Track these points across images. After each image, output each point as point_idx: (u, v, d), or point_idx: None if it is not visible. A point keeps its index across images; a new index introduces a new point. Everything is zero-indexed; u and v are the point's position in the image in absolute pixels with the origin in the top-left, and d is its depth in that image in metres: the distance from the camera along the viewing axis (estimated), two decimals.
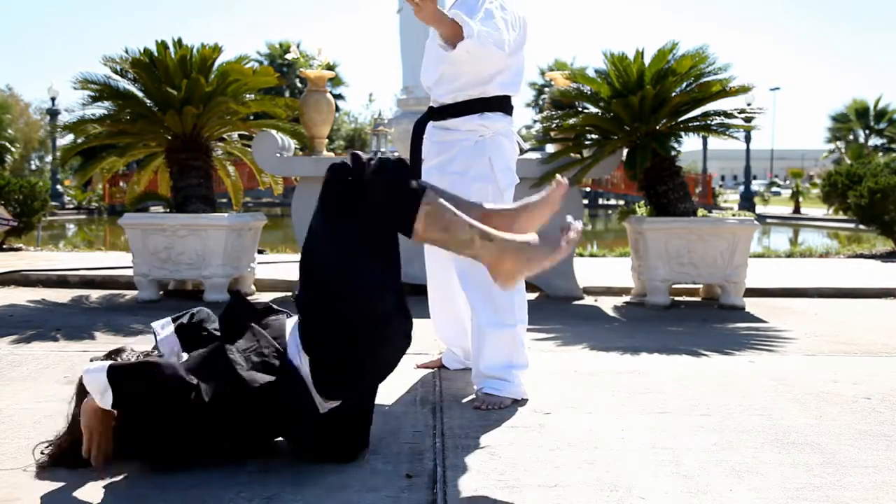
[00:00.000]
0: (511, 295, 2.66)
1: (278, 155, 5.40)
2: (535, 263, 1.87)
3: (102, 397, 1.85)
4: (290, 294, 5.44)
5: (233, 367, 1.91)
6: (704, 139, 27.43)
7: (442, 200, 1.88)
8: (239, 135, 5.93)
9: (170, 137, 5.32)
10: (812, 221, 21.10)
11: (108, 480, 1.88)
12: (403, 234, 1.89)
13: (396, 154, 7.08)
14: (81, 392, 1.95)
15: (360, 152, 1.92)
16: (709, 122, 5.04)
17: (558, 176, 2.09)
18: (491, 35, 2.47)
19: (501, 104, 2.74)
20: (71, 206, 24.49)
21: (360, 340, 1.89)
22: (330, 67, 5.79)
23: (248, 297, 5.21)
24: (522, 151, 2.97)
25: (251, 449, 2.01)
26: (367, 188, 1.85)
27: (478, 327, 2.68)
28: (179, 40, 5.22)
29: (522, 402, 2.62)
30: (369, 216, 1.87)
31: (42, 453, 1.99)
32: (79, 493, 1.82)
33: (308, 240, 1.95)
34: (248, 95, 5.42)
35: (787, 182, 38.67)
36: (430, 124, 2.83)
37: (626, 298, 5.32)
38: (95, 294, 5.40)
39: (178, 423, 1.88)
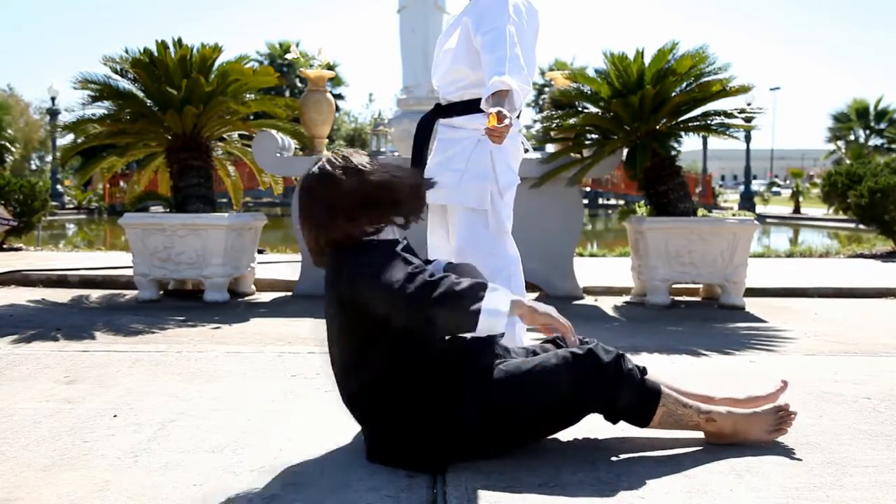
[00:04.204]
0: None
1: (278, 155, 5.40)
2: (758, 433, 2.15)
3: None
4: (289, 293, 5.44)
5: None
6: (704, 139, 27.46)
7: (674, 395, 2.10)
8: (239, 135, 5.93)
9: (170, 137, 5.32)
10: (812, 221, 21.09)
11: (110, 479, 1.88)
12: (637, 426, 2.10)
13: (397, 154, 7.07)
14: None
15: (620, 353, 2.10)
16: (709, 121, 5.03)
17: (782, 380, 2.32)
18: (522, 75, 2.54)
19: None
20: (71, 205, 24.47)
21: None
22: (330, 67, 5.79)
23: (248, 296, 5.29)
24: (526, 151, 2.98)
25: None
26: (619, 386, 2.03)
27: None
28: (179, 40, 5.22)
29: None
30: (606, 408, 2.06)
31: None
32: (79, 492, 1.82)
33: (532, 369, 2.02)
34: (248, 95, 5.42)
35: (787, 182, 38.64)
36: (440, 121, 2.88)
37: (627, 298, 5.32)
38: (95, 294, 5.40)
39: None
